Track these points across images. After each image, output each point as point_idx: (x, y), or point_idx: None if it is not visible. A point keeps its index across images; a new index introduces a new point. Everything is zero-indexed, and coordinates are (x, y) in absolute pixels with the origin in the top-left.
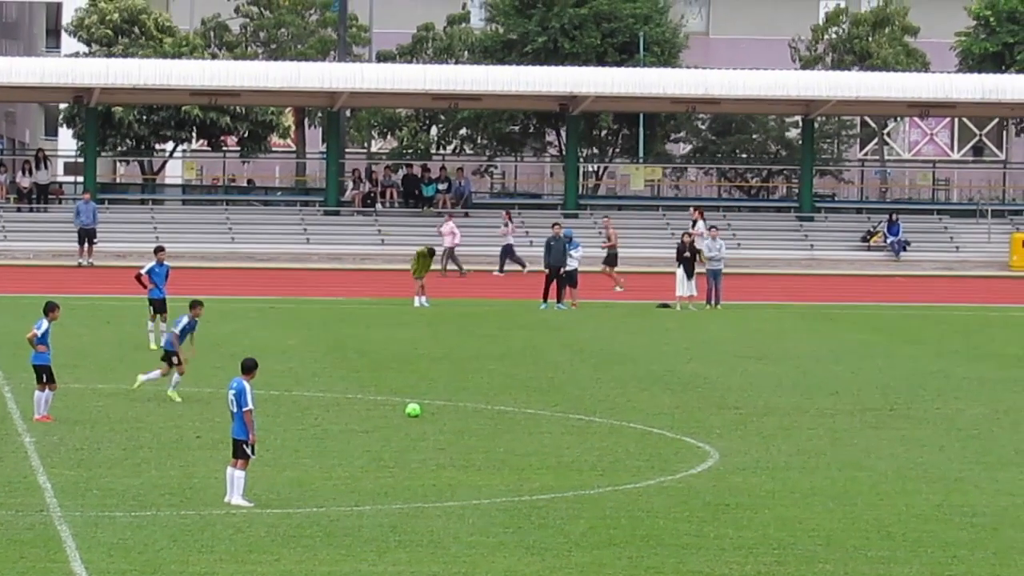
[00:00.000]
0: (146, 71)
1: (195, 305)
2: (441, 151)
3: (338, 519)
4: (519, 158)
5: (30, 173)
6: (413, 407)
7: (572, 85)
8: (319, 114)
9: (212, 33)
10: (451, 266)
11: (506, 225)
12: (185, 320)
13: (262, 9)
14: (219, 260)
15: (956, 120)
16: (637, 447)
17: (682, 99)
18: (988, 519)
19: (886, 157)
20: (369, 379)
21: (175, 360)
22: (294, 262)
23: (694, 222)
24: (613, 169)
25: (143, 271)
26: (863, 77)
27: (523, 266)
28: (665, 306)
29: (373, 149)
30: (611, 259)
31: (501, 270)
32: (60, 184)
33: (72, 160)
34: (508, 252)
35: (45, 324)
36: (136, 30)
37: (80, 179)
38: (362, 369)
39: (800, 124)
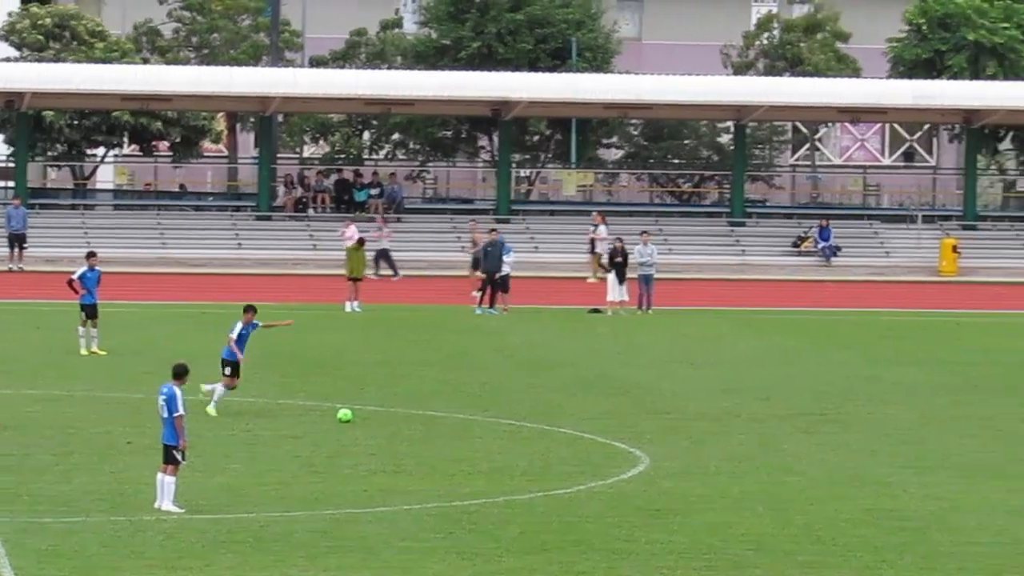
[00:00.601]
0: (78, 76)
1: (248, 310)
2: (373, 156)
3: (269, 525)
4: (451, 163)
5: None
6: (344, 412)
7: (505, 90)
8: (251, 119)
9: (144, 38)
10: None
11: (380, 229)
12: (239, 326)
13: (194, 14)
14: (151, 265)
15: (887, 126)
16: (568, 452)
17: (614, 104)
18: (917, 523)
19: (817, 162)
20: (300, 384)
21: (228, 371)
22: (226, 267)
23: (595, 226)
24: (545, 174)
25: (74, 276)
26: (795, 83)
27: (395, 272)
28: (597, 311)
29: (305, 154)
30: (477, 263)
31: (376, 273)
32: None
33: (2, 165)
34: (383, 255)
35: None
36: (67, 35)
37: (11, 184)
38: (293, 374)
39: (732, 129)
